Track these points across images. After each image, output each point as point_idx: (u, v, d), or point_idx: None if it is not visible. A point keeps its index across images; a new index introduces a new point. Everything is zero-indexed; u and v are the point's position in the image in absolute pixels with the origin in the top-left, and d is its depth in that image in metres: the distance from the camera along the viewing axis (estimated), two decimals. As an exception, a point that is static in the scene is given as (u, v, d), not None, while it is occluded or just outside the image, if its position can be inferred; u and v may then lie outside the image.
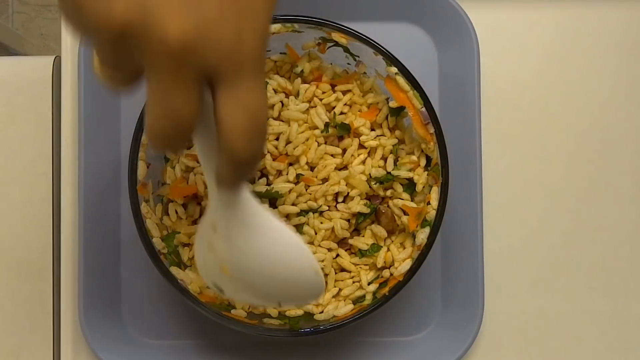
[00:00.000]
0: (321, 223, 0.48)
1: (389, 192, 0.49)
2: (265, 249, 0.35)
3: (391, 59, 0.46)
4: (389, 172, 0.49)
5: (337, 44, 0.48)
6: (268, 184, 0.48)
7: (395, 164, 0.49)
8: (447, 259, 0.52)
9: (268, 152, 0.48)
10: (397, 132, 0.49)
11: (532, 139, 0.54)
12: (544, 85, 0.54)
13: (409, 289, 0.46)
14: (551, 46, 0.55)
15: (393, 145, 0.49)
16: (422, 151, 0.49)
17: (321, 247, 0.49)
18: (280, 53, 0.50)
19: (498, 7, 0.55)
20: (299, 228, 0.48)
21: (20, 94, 0.53)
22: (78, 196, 0.50)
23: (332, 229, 0.48)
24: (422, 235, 0.47)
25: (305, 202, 0.48)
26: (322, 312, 0.48)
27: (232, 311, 0.47)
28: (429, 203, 0.47)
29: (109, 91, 0.31)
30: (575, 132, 0.54)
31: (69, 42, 0.52)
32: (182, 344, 0.51)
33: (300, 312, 0.48)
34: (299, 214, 0.48)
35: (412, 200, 0.49)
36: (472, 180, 0.51)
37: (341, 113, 0.49)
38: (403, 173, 0.48)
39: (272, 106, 0.49)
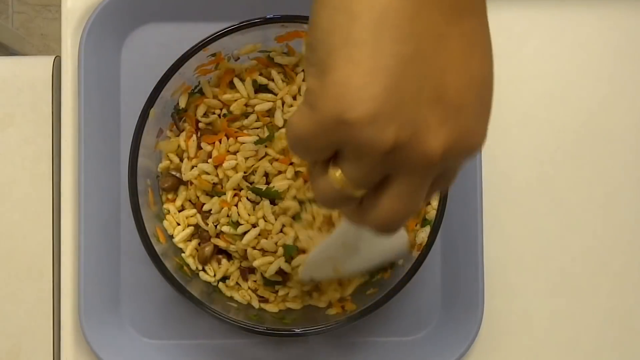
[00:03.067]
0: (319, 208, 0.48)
1: None
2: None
3: None
4: None
5: None
6: (267, 183, 0.48)
7: None
8: (447, 259, 0.52)
9: (267, 154, 0.48)
10: None
11: (532, 138, 0.54)
12: (543, 86, 0.54)
13: (409, 288, 0.46)
14: (551, 46, 0.55)
15: None
16: None
17: (321, 231, 0.48)
18: (283, 53, 0.50)
19: (498, 7, 0.55)
20: (297, 216, 0.48)
21: (20, 94, 0.53)
22: (78, 196, 0.50)
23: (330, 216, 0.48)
24: (423, 234, 0.47)
25: (304, 193, 0.48)
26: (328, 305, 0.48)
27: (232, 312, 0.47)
28: (429, 203, 0.47)
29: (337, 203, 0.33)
30: (575, 132, 0.54)
31: (69, 42, 0.52)
32: (182, 344, 0.51)
33: (299, 306, 0.48)
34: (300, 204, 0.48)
35: None
36: (472, 180, 0.51)
37: None
38: None
39: (269, 110, 0.49)
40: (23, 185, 0.52)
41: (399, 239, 0.45)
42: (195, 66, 0.47)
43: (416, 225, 0.47)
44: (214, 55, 0.47)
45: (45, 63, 0.53)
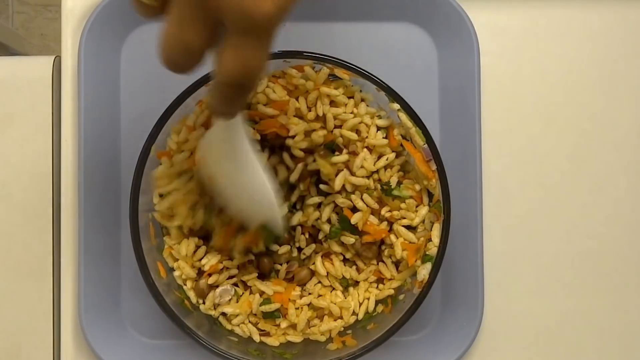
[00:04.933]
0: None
1: (387, 213, 0.49)
2: (241, 181, 0.43)
3: (394, 96, 0.46)
4: (390, 186, 0.48)
5: (338, 78, 0.48)
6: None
7: (398, 185, 0.49)
8: (447, 259, 0.52)
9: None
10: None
11: (532, 138, 0.54)
12: (543, 85, 0.54)
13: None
14: (551, 46, 0.55)
15: (399, 170, 0.49)
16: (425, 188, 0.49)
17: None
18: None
19: (498, 7, 0.55)
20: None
21: (20, 94, 0.53)
22: (78, 196, 0.50)
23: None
24: (424, 271, 0.46)
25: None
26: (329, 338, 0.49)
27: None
28: (430, 240, 0.47)
29: (140, 10, 0.34)
30: (575, 132, 0.54)
31: (69, 42, 0.52)
32: (182, 344, 0.51)
33: (299, 339, 0.49)
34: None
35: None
36: (472, 181, 0.51)
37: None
38: (404, 193, 0.48)
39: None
40: (23, 185, 0.52)
41: (273, 206, 0.44)
42: (197, 100, 0.47)
43: (416, 262, 0.47)
44: None
45: (45, 63, 0.53)
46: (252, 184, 0.43)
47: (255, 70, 0.32)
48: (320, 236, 0.50)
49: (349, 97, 0.48)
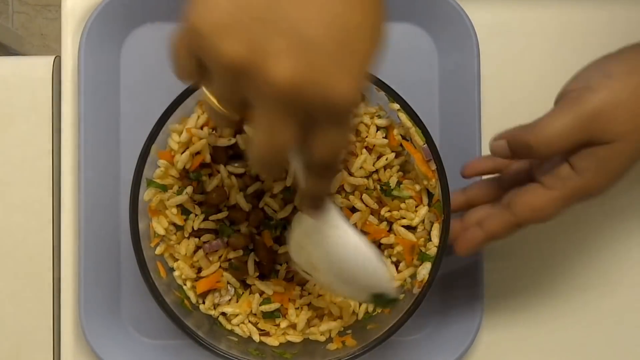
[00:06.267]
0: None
1: (387, 213, 0.49)
2: (343, 258, 0.42)
3: (394, 96, 0.46)
4: (389, 186, 0.48)
5: None
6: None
7: (398, 185, 0.49)
8: (447, 259, 0.52)
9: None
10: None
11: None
12: (544, 85, 0.54)
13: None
14: (551, 46, 0.55)
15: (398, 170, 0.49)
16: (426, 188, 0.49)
17: None
18: None
19: (498, 7, 0.55)
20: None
21: (20, 94, 0.53)
22: (78, 196, 0.50)
23: None
24: (424, 271, 0.46)
25: None
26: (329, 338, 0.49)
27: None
28: (430, 239, 0.47)
29: (219, 122, 0.35)
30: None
31: (69, 42, 0.52)
32: (182, 344, 0.51)
33: (299, 339, 0.48)
34: None
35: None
36: (472, 181, 0.51)
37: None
38: (403, 194, 0.48)
39: None
40: (23, 185, 0.52)
41: (378, 270, 0.43)
42: (197, 100, 0.47)
43: (413, 260, 0.47)
44: None
45: (45, 63, 0.53)
46: (356, 259, 0.42)
47: (344, 150, 0.35)
48: None
49: None
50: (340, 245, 0.41)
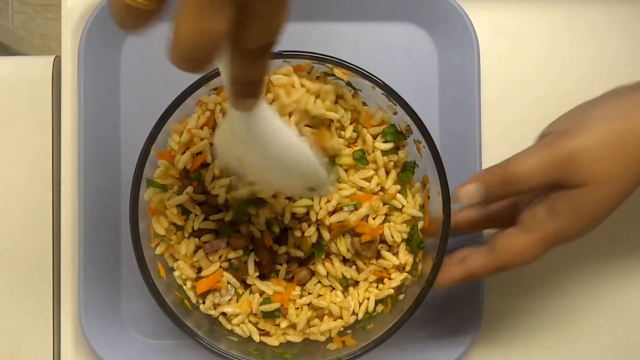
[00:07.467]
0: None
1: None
2: (277, 152, 0.41)
3: (394, 96, 0.46)
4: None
5: (337, 78, 0.48)
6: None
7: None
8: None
9: None
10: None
11: (532, 138, 0.54)
12: (544, 85, 0.54)
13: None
14: (551, 46, 0.55)
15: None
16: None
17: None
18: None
19: (498, 7, 0.55)
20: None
21: (20, 94, 0.53)
22: (78, 196, 0.50)
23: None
24: (426, 269, 0.47)
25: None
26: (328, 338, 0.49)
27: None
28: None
29: (119, 28, 0.29)
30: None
31: (69, 42, 0.52)
32: (182, 344, 0.51)
33: (299, 339, 0.49)
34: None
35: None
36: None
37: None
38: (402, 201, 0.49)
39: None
40: (23, 185, 0.52)
41: (311, 163, 0.42)
42: (197, 100, 0.47)
43: (417, 258, 0.48)
44: (215, 89, 0.47)
45: (45, 63, 0.53)
46: (290, 152, 0.41)
47: (283, 26, 0.30)
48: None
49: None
50: (274, 138, 0.40)
